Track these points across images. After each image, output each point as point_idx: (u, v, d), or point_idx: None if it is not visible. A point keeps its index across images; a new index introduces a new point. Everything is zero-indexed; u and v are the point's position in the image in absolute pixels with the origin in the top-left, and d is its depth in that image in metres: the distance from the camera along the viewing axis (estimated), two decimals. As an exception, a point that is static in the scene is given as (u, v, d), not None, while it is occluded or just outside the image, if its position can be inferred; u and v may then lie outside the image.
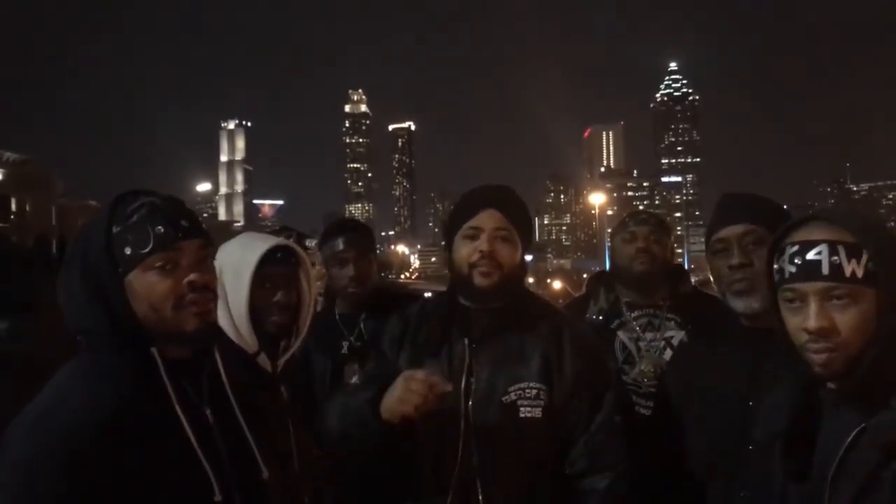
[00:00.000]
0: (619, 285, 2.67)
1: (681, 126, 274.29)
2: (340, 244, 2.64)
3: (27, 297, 1.90)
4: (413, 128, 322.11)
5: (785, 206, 1.98)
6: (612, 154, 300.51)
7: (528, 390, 1.80)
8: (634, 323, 2.57)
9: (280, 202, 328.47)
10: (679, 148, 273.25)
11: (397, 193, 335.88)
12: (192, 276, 1.29)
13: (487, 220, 1.85)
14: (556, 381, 1.83)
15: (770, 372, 1.65)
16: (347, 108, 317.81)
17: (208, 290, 1.32)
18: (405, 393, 1.64)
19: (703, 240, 2.05)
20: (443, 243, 2.01)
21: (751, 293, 1.80)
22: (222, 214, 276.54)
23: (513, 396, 1.79)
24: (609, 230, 3.68)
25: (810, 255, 1.24)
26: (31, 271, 1.97)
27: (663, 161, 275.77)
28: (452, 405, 1.78)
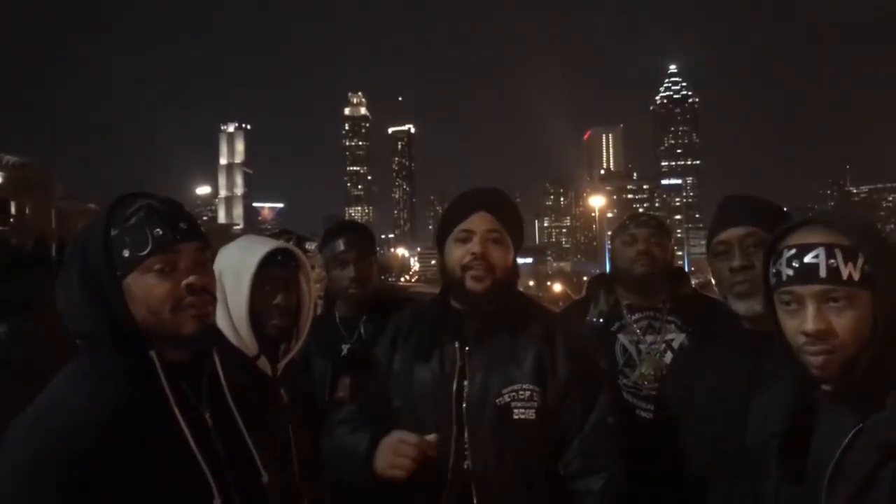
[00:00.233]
0: (619, 288, 2.66)
1: (680, 128, 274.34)
2: (341, 245, 2.64)
3: (27, 299, 1.90)
4: (412, 130, 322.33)
5: (785, 209, 1.98)
6: (611, 156, 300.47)
7: (521, 392, 1.79)
8: (635, 325, 2.56)
9: (280, 205, 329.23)
10: (679, 150, 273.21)
11: (397, 196, 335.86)
12: (190, 279, 1.29)
13: (479, 222, 1.85)
14: (550, 383, 1.82)
15: (771, 373, 1.65)
16: (347, 111, 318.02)
17: (206, 292, 1.32)
18: (396, 459, 1.66)
19: (703, 242, 2.05)
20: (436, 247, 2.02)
21: (752, 295, 1.80)
22: (222, 217, 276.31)
23: (506, 398, 1.78)
24: (609, 233, 3.68)
25: (807, 259, 1.24)
26: (31, 273, 1.96)
27: (663, 163, 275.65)
28: (445, 408, 1.78)
